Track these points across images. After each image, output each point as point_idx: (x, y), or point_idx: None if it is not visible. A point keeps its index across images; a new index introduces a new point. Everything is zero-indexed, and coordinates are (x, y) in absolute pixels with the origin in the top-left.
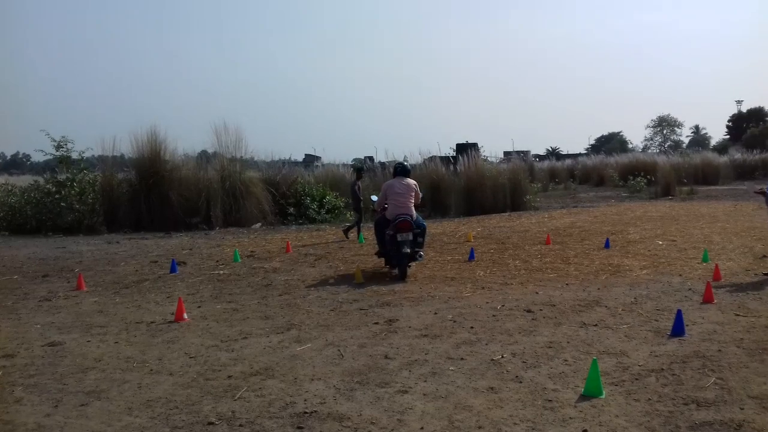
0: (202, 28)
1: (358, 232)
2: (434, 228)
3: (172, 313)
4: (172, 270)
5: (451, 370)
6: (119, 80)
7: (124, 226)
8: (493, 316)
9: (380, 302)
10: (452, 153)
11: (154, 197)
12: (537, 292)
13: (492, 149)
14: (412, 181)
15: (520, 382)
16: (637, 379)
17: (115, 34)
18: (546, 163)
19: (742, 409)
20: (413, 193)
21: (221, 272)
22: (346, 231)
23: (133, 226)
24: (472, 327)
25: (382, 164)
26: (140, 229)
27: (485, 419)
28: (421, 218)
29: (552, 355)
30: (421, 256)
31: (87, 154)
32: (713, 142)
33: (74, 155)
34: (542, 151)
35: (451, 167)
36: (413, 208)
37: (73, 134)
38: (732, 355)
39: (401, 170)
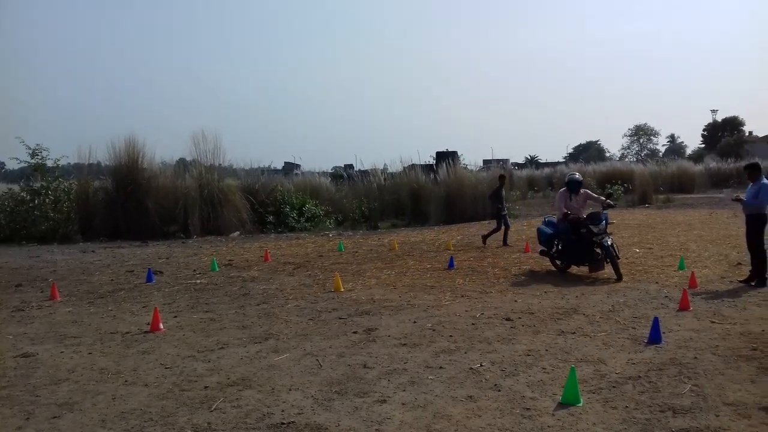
0: (180, 35)
1: (504, 236)
2: (414, 236)
3: (148, 323)
4: (149, 279)
5: (430, 379)
6: (96, 87)
7: (99, 235)
8: (473, 324)
9: (359, 311)
10: (432, 161)
11: (131, 205)
12: (516, 300)
13: (472, 157)
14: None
15: (499, 391)
16: (614, 386)
17: (92, 40)
18: (525, 172)
19: (717, 416)
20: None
21: (198, 281)
22: (485, 237)
23: (109, 235)
24: (451, 336)
25: (363, 172)
26: (116, 237)
27: (464, 428)
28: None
29: (530, 363)
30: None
31: (62, 162)
32: (689, 151)
33: (49, 163)
34: (521, 160)
35: (431, 175)
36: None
37: (49, 142)
38: (708, 362)
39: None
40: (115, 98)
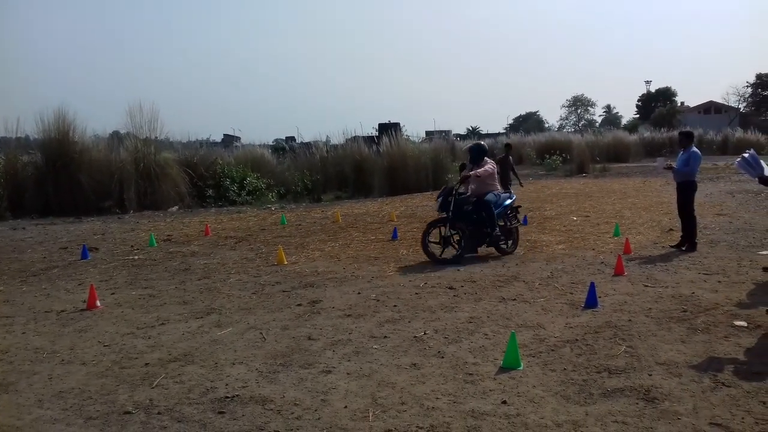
0: (111, 2)
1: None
2: (357, 208)
3: (84, 301)
4: (84, 256)
5: (375, 349)
6: (21, 57)
7: (30, 212)
8: (416, 294)
9: (303, 283)
10: (375, 133)
11: (63, 180)
12: (458, 269)
13: (414, 129)
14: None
15: (442, 358)
16: (553, 350)
17: (14, 5)
18: (467, 143)
19: (650, 375)
20: None
21: (136, 257)
22: None
23: (41, 211)
24: (395, 305)
25: (307, 145)
26: (48, 214)
27: (408, 395)
28: None
29: (473, 330)
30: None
31: None
32: (624, 121)
33: None
34: (463, 131)
35: (374, 147)
36: None
37: None
38: (641, 325)
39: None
40: (42, 68)
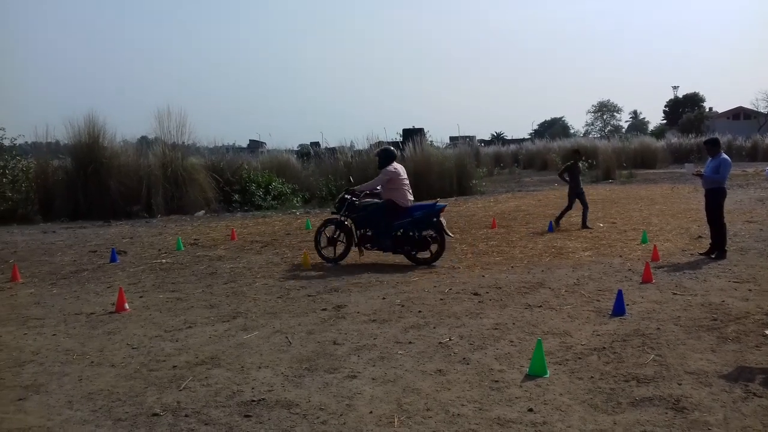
0: (144, 10)
1: (584, 218)
2: None
3: (113, 304)
4: (112, 259)
5: (400, 354)
6: (52, 65)
7: (60, 215)
8: (441, 299)
9: (328, 288)
10: (399, 138)
11: (92, 185)
12: (483, 275)
13: (438, 134)
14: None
15: (467, 364)
16: (580, 358)
17: (47, 11)
18: (491, 148)
19: (679, 384)
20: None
21: (164, 261)
22: (557, 219)
23: (70, 215)
24: (420, 311)
25: (332, 150)
26: (78, 217)
27: (433, 401)
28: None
29: (498, 337)
30: None
31: (19, 141)
32: (651, 127)
33: (6, 142)
34: (487, 137)
35: (398, 153)
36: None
37: (5, 121)
38: (670, 333)
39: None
40: (72, 76)
